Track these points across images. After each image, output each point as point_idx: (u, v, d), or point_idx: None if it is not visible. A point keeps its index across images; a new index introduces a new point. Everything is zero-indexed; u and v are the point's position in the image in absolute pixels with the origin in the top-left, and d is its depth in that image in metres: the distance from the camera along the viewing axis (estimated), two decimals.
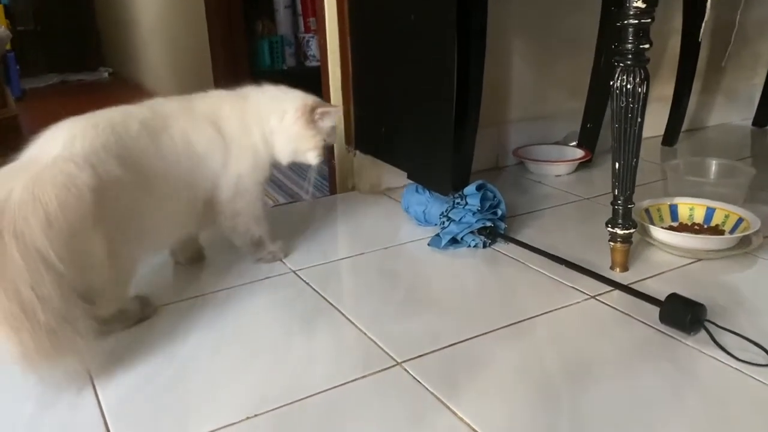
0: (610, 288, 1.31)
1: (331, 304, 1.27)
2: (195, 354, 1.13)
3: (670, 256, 1.45)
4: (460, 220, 1.51)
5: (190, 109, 1.30)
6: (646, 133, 2.53)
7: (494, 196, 1.55)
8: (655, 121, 2.44)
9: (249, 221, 1.40)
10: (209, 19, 2.96)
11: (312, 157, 1.40)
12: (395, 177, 1.90)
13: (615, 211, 1.34)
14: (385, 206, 1.81)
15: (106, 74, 5.51)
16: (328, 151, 1.47)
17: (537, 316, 1.22)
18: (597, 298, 1.28)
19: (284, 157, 1.40)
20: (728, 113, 2.69)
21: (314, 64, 3.22)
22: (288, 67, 3.27)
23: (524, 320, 1.20)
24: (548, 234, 1.60)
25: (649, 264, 1.42)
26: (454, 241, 1.50)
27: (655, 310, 1.18)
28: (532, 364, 1.08)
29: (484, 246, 1.51)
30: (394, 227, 1.67)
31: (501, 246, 1.52)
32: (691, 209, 1.56)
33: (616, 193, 1.33)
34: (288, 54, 3.28)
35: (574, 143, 2.16)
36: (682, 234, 1.45)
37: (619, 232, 1.34)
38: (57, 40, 5.63)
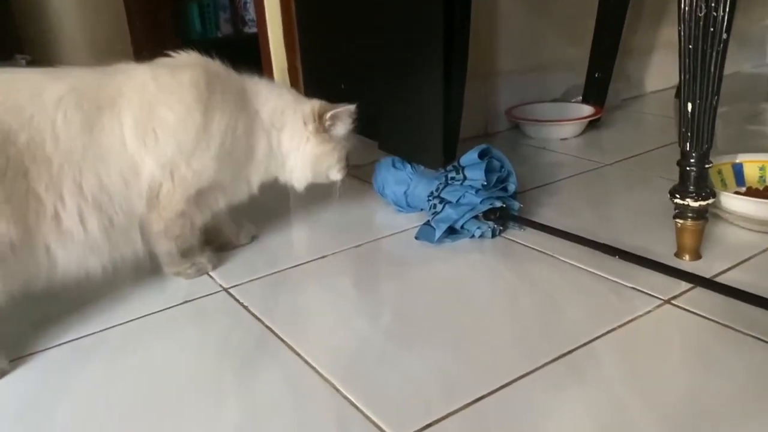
0: (689, 285, 0.90)
1: (282, 340, 0.84)
2: (75, 424, 0.69)
3: (748, 234, 1.05)
4: (458, 201, 1.08)
5: (170, 75, 0.95)
6: (654, 86, 2.18)
7: (501, 166, 1.13)
8: (664, 71, 2.06)
9: (187, 226, 0.98)
10: None
11: (334, 174, 1.10)
12: (363, 151, 1.46)
13: (685, 175, 0.94)
14: (351, 189, 1.37)
15: (23, 62, 4.90)
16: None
17: (595, 339, 0.80)
18: (673, 302, 0.87)
19: (301, 182, 1.09)
20: (738, 60, 2.32)
21: (254, 30, 2.74)
22: (223, 34, 2.79)
23: (578, 348, 0.79)
24: (573, 213, 1.19)
25: (724, 246, 1.02)
26: (451, 231, 1.08)
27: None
28: (608, 421, 0.66)
29: (493, 235, 1.09)
30: (366, 216, 1.24)
31: (514, 233, 1.11)
32: (761, 169, 1.17)
33: (688, 147, 0.92)
34: (223, 19, 2.79)
35: (578, 99, 1.75)
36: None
37: (692, 204, 0.93)
38: None
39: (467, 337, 0.82)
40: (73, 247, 0.85)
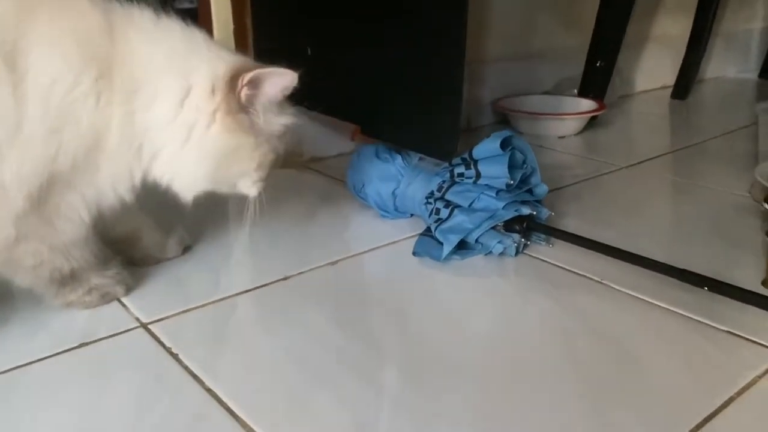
0: None
1: (235, 416, 0.53)
2: None
3: None
4: (471, 205, 0.80)
5: None
6: (645, 85, 1.97)
7: (524, 161, 0.85)
8: (656, 69, 1.85)
9: (44, 250, 0.63)
10: None
11: (246, 184, 0.70)
12: (328, 140, 1.17)
13: None
14: (315, 188, 1.08)
15: None
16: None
17: (711, 415, 0.53)
18: None
19: (189, 188, 0.67)
20: (723, 63, 2.15)
21: (186, 5, 2.39)
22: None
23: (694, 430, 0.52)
24: (607, 225, 0.93)
25: None
26: (460, 245, 0.80)
27: None
28: None
29: (517, 252, 0.82)
30: (339, 223, 0.94)
31: (538, 249, 0.84)
32: None
33: None
34: None
35: (573, 92, 1.51)
36: None
37: None
38: None
39: (517, 413, 0.54)
40: None
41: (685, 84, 1.73)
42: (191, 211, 0.71)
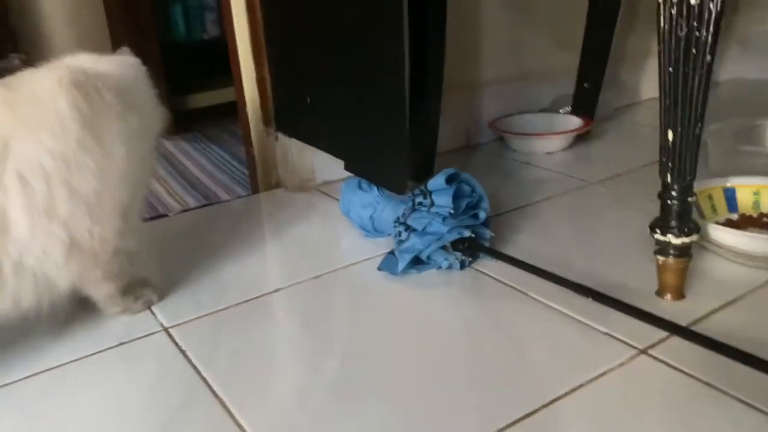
0: (666, 333, 0.82)
1: (214, 394, 0.76)
2: None
3: (739, 269, 0.97)
4: (424, 229, 1.00)
5: (34, 100, 0.78)
6: (649, 94, 2.08)
7: (472, 191, 1.04)
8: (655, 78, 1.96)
9: (124, 261, 0.88)
10: None
11: None
12: (334, 166, 1.38)
13: (665, 208, 0.85)
14: (320, 209, 1.30)
15: (17, 61, 4.84)
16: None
17: (560, 397, 0.72)
18: (649, 352, 0.79)
19: None
20: (740, 65, 2.22)
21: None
22: (210, 37, 2.69)
23: (540, 408, 0.71)
24: (551, 240, 1.11)
25: (712, 283, 0.93)
26: (417, 261, 1.00)
27: (755, 377, 0.70)
28: None
29: (462, 267, 1.01)
30: (330, 240, 1.16)
31: (485, 264, 1.02)
32: (755, 194, 1.08)
33: (669, 179, 0.83)
34: (209, 21, 2.70)
35: (567, 109, 1.67)
36: (760, 235, 0.97)
37: (674, 240, 0.85)
38: None
39: (419, 391, 0.74)
40: None
41: None
42: (204, 232, 0.95)
